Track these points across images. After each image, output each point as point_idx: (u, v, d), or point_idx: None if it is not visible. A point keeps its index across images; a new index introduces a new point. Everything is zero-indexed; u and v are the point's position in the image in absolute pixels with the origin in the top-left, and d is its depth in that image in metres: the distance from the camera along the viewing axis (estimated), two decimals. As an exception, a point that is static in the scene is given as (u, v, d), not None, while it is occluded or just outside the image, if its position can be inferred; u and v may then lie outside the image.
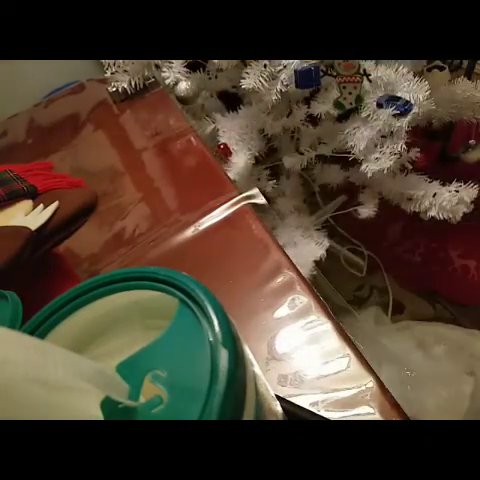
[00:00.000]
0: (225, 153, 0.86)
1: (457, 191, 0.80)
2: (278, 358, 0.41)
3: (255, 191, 0.58)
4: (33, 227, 0.40)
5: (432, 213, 0.82)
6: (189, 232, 0.56)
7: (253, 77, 0.73)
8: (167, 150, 0.69)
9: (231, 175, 0.82)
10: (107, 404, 0.18)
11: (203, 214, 0.57)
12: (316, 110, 0.79)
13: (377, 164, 0.76)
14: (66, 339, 0.22)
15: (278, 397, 0.26)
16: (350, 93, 0.74)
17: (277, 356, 0.42)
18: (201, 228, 0.56)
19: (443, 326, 1.08)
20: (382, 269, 1.31)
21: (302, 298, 0.45)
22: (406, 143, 0.75)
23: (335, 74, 0.73)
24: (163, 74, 0.80)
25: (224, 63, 0.81)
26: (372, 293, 1.29)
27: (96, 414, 0.18)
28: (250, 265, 0.49)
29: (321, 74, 0.72)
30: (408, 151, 0.80)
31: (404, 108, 0.71)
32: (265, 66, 0.73)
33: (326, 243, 0.95)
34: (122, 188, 0.66)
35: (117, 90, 0.80)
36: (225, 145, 0.87)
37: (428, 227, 1.07)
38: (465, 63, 1.14)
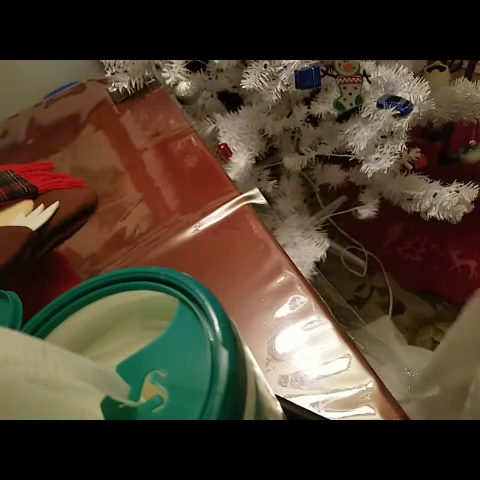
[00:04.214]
0: (225, 153, 0.86)
1: (457, 191, 0.80)
2: (278, 358, 0.41)
3: (255, 191, 0.58)
4: (33, 227, 0.40)
5: (432, 213, 0.83)
6: (189, 232, 0.56)
7: (253, 77, 0.74)
8: (167, 150, 0.69)
9: (231, 175, 0.83)
10: (107, 404, 0.18)
11: (203, 214, 0.57)
12: (316, 110, 0.79)
13: (377, 164, 0.76)
14: (66, 339, 0.22)
15: (278, 397, 0.26)
16: (350, 94, 0.74)
17: (277, 356, 0.42)
18: (201, 228, 0.56)
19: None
20: (382, 269, 1.31)
21: (302, 298, 0.45)
22: (406, 143, 0.75)
23: (335, 74, 0.73)
24: (163, 74, 0.81)
25: (224, 63, 0.81)
26: (372, 293, 1.29)
27: (96, 414, 0.18)
28: (250, 265, 0.49)
29: (321, 74, 0.72)
30: (408, 151, 0.81)
31: (404, 108, 0.71)
32: (265, 66, 0.73)
33: (326, 243, 0.95)
34: (122, 188, 0.66)
35: (117, 90, 0.80)
36: (225, 145, 0.87)
37: (428, 227, 1.07)
38: (465, 63, 1.14)
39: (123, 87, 0.80)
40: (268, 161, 1.03)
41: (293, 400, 0.37)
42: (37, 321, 0.22)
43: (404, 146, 0.75)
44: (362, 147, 0.75)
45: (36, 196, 0.45)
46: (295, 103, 0.87)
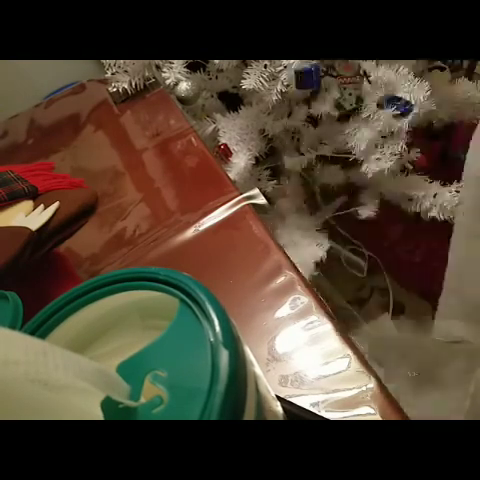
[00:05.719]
0: (225, 153, 0.86)
1: (458, 191, 0.80)
2: (278, 358, 0.41)
3: (255, 191, 0.58)
4: (34, 227, 0.40)
5: (433, 214, 0.83)
6: (190, 232, 0.56)
7: (253, 77, 0.73)
8: (167, 150, 0.69)
9: (231, 175, 0.82)
10: (107, 404, 0.18)
11: (204, 214, 0.57)
12: (316, 110, 0.79)
13: (377, 164, 0.76)
14: (67, 339, 0.22)
15: (278, 397, 0.26)
16: (350, 94, 0.74)
17: (277, 356, 0.42)
18: (201, 228, 0.56)
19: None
20: (383, 270, 1.31)
21: (303, 298, 0.45)
22: (406, 143, 0.75)
23: (335, 74, 0.73)
24: (163, 74, 0.80)
25: (224, 63, 0.81)
26: (373, 293, 1.29)
27: (96, 414, 0.18)
28: (251, 265, 0.49)
29: (321, 74, 0.72)
30: (409, 151, 0.81)
31: (404, 108, 0.71)
32: (265, 66, 0.73)
33: (327, 244, 0.95)
34: (123, 188, 0.66)
35: (117, 90, 0.80)
36: (225, 145, 0.87)
37: (429, 228, 1.07)
38: (466, 63, 1.13)
39: (123, 87, 0.79)
40: (268, 161, 1.03)
41: (293, 400, 0.37)
42: (37, 321, 0.22)
43: (404, 146, 0.75)
44: (362, 147, 0.75)
45: (36, 196, 0.45)
46: (295, 103, 0.87)
